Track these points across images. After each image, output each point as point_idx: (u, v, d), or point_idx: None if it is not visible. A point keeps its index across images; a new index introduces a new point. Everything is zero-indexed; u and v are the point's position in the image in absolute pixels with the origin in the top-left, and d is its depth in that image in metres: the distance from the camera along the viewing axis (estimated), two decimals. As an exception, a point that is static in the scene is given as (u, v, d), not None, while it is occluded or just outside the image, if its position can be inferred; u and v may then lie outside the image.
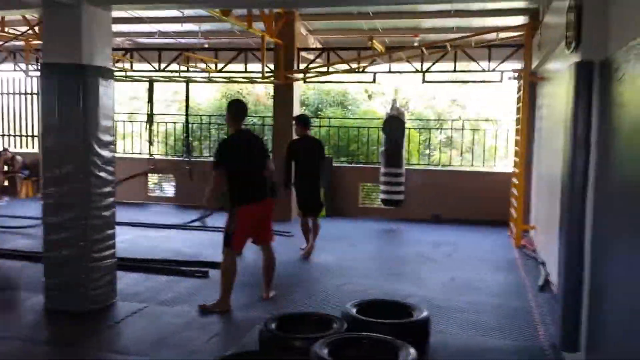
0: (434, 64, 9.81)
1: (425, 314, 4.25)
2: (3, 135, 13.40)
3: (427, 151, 14.41)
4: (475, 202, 10.10)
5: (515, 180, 8.69)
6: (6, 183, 12.27)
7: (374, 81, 10.51)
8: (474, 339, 4.57)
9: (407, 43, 10.31)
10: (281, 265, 6.95)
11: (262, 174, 5.27)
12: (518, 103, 8.99)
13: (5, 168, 12.31)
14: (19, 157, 12.46)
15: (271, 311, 4.88)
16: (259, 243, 5.50)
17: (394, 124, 9.83)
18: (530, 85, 8.32)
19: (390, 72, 10.45)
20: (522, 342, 4.54)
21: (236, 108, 5.27)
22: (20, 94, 13.29)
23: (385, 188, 9.97)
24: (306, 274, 6.53)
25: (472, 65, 9.68)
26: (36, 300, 5.18)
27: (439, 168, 12.36)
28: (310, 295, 5.66)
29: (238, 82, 12.38)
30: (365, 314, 4.16)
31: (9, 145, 13.15)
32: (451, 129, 14.71)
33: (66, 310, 4.94)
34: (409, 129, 12.47)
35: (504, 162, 12.56)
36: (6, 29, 9.99)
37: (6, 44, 10.60)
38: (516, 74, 8.86)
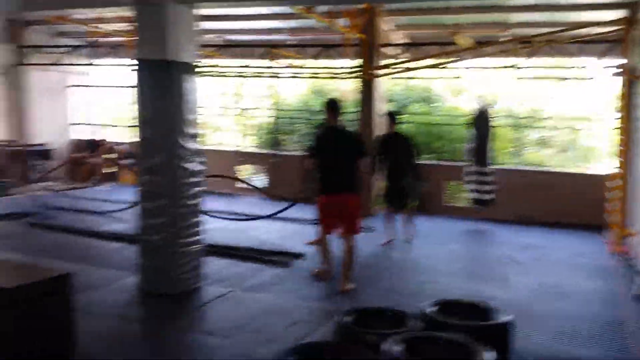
0: (524, 59, 9.42)
1: (508, 317, 4.12)
2: (109, 125, 14.28)
3: (518, 150, 13.89)
4: (568, 205, 9.61)
5: (613, 182, 8.18)
6: (110, 170, 13.12)
7: (459, 77, 10.24)
8: (560, 347, 4.38)
9: (495, 38, 9.97)
10: (363, 259, 7.02)
11: (348, 168, 5.50)
12: (618, 101, 8.45)
13: (107, 157, 13.17)
14: (125, 146, 13.21)
15: (350, 304, 4.92)
16: (341, 234, 5.69)
17: (481, 121, 9.57)
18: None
19: (477, 67, 10.16)
20: (611, 353, 4.29)
21: (331, 105, 5.68)
22: (119, 87, 14.14)
23: (473, 187, 9.73)
24: (387, 271, 6.51)
25: (566, 61, 9.19)
26: (130, 280, 5.54)
27: (530, 168, 11.86)
28: (389, 292, 5.64)
29: (323, 78, 12.50)
30: (444, 314, 4.09)
31: (119, 135, 13.98)
32: (544, 127, 14.08)
33: (157, 291, 5.24)
34: (497, 126, 12.08)
35: (599, 163, 11.86)
36: (107, 26, 10.66)
37: (108, 40, 11.29)
38: (619, 70, 8.31)
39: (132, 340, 4.29)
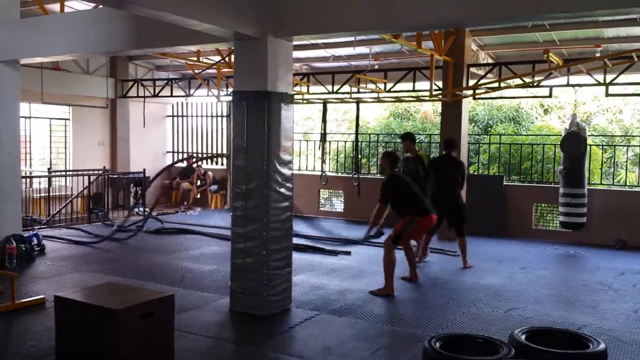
0: (618, 75, 9.05)
1: (602, 346, 3.97)
2: (196, 153, 15.07)
3: (612, 170, 13.22)
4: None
5: None
6: (198, 196, 13.83)
7: (550, 95, 9.97)
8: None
9: (588, 54, 9.65)
10: (448, 284, 6.98)
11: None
12: None
13: (198, 182, 13.89)
14: (210, 173, 13.97)
15: (437, 330, 4.91)
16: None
17: (574, 140, 9.27)
18: None
19: (568, 85, 9.85)
20: None
21: (395, 159, 6.81)
22: (212, 116, 14.90)
23: (565, 210, 9.39)
24: (473, 296, 6.42)
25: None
26: (222, 302, 5.81)
27: (625, 188, 11.26)
28: (476, 318, 5.56)
29: (406, 101, 12.55)
30: (535, 342, 4.01)
31: (201, 162, 14.75)
32: (639, 145, 13.33)
33: (248, 312, 5.47)
34: (591, 145, 11.60)
35: None
36: (201, 59, 11.35)
37: (201, 73, 11.99)
38: None
39: (224, 359, 4.49)
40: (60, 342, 4.13)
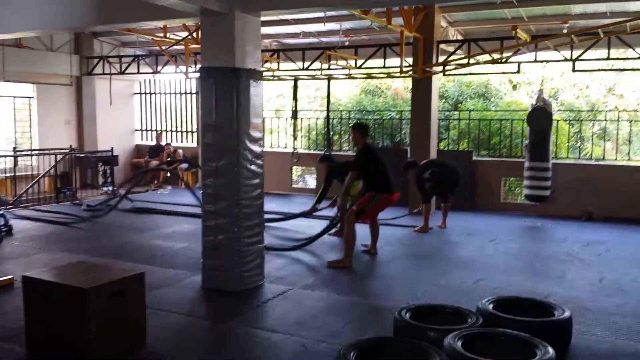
0: (585, 51, 9.20)
1: (567, 314, 4.11)
2: (165, 131, 14.87)
3: (578, 144, 13.51)
4: (632, 200, 9.33)
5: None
6: (168, 174, 13.68)
7: (518, 71, 10.09)
8: (621, 343, 4.31)
9: (555, 30, 9.76)
10: (419, 257, 7.10)
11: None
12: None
13: (168, 160, 13.72)
14: (180, 151, 13.81)
15: (406, 301, 5.00)
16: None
17: (540, 115, 9.43)
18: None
19: (536, 61, 9.97)
20: (677, 350, 4.20)
21: (365, 128, 6.88)
22: (180, 93, 14.67)
23: (529, 183, 9.58)
24: (443, 268, 6.54)
25: (629, 52, 8.92)
26: (194, 279, 5.81)
27: (591, 162, 11.54)
28: (446, 289, 5.68)
29: (377, 77, 12.55)
30: (502, 311, 4.12)
31: (170, 140, 14.56)
32: (605, 120, 13.63)
33: (220, 289, 5.47)
34: (557, 120, 11.81)
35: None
36: (168, 35, 11.12)
37: (168, 49, 11.76)
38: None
39: (197, 335, 4.50)
40: (29, 323, 4.08)
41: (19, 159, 11.94)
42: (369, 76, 11.88)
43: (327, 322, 4.69)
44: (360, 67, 10.92)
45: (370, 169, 6.67)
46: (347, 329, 4.54)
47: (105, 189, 12.34)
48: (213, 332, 4.61)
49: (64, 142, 12.65)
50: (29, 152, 12.38)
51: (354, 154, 7.14)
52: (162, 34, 11.03)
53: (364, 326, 4.64)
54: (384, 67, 10.85)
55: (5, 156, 11.61)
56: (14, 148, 12.18)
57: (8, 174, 11.37)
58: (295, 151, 11.93)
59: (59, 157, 11.47)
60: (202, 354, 4.15)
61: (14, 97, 12.50)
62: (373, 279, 6.23)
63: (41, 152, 11.92)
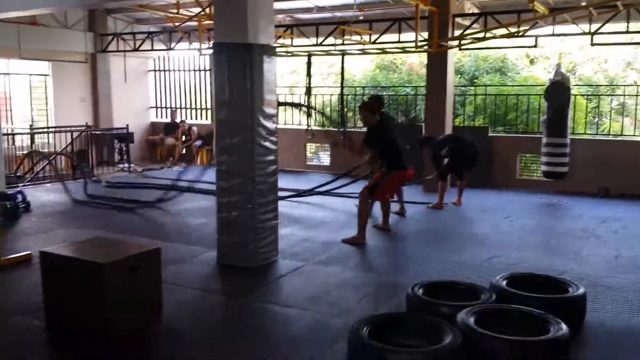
0: (604, 24, 8.99)
1: (581, 290, 4.09)
2: (180, 108, 14.89)
3: (596, 119, 13.29)
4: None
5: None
6: (184, 151, 13.74)
7: (535, 45, 9.90)
8: (636, 320, 4.29)
9: (573, 3, 9.54)
10: (433, 234, 7.10)
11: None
12: None
13: (183, 138, 13.77)
14: (194, 128, 13.84)
15: (420, 277, 5.01)
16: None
17: (558, 90, 9.27)
18: None
19: (554, 35, 9.76)
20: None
21: (370, 106, 6.79)
22: (194, 70, 14.64)
23: (547, 159, 9.47)
24: (457, 245, 6.53)
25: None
26: (210, 255, 5.86)
27: (609, 138, 11.36)
28: (459, 266, 5.67)
29: (392, 52, 12.40)
30: (516, 287, 4.11)
31: (185, 117, 14.58)
32: (624, 95, 13.37)
33: (235, 265, 5.52)
34: (575, 95, 11.61)
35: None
36: (181, 11, 11.06)
37: (181, 25, 11.71)
38: None
39: (212, 310, 4.56)
40: (47, 298, 4.16)
41: (36, 136, 12.05)
42: (384, 51, 11.73)
43: (340, 298, 4.73)
44: (374, 42, 10.79)
45: (381, 147, 6.65)
46: (361, 305, 4.57)
47: (121, 166, 12.44)
48: (228, 308, 4.67)
49: (79, 119, 12.75)
50: (45, 130, 12.49)
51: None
52: (175, 10, 10.97)
53: (377, 302, 4.67)
54: (399, 41, 10.71)
55: (22, 134, 11.73)
56: (31, 125, 12.29)
57: (26, 151, 11.50)
58: (309, 128, 11.87)
59: (75, 134, 11.55)
60: (218, 329, 4.21)
61: (30, 74, 12.58)
62: (386, 255, 6.24)
63: (57, 129, 12.02)
